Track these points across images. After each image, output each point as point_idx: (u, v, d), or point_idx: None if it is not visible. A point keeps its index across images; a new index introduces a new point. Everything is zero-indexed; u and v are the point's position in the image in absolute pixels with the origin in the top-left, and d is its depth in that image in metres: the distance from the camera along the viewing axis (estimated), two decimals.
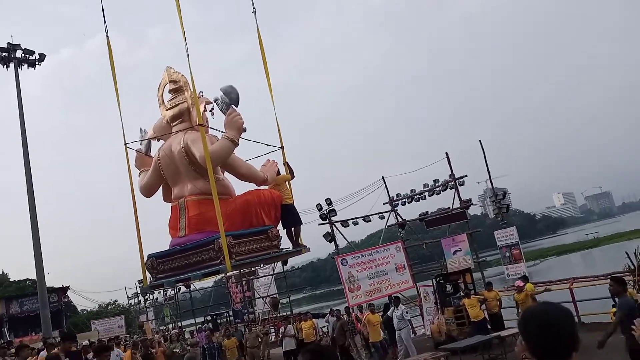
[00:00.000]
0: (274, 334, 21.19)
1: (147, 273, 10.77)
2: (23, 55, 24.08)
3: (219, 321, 28.97)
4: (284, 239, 11.66)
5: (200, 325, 27.04)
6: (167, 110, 11.17)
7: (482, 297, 13.48)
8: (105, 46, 10.57)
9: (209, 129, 10.82)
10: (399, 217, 22.03)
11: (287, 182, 11.53)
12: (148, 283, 10.92)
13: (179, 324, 32.86)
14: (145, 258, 10.75)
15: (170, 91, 11.27)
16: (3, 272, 60.06)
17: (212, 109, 10.67)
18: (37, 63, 24.60)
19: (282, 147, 11.71)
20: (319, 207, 20.20)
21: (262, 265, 19.51)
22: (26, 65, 24.36)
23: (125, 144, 10.99)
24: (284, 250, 11.69)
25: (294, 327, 16.00)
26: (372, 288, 15.59)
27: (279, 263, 19.33)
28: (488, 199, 38.86)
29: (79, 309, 49.69)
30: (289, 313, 24.82)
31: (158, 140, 11.67)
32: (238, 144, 10.50)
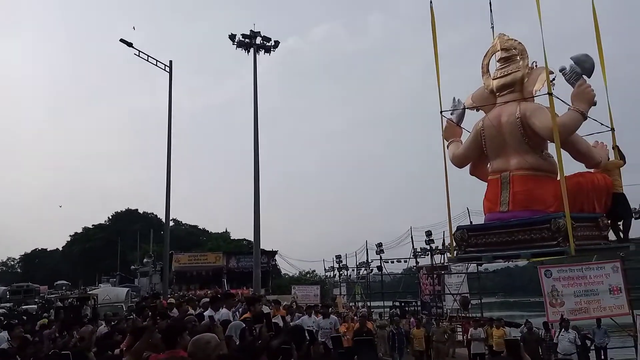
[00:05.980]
0: (460, 332, 20.73)
1: (455, 244, 10.44)
2: (261, 41, 26.20)
3: (406, 309, 29.39)
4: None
5: (389, 310, 27.71)
6: (493, 79, 10.63)
7: None
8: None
9: (534, 99, 10.08)
10: (621, 234, 19.37)
11: (618, 169, 10.54)
12: (454, 254, 10.76)
13: (368, 303, 34.08)
14: (454, 229, 10.58)
15: (499, 60, 10.68)
16: (226, 230, 69.71)
17: (554, 79, 9.79)
18: (271, 49, 26.55)
19: (612, 129, 10.49)
20: None
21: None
22: (262, 51, 26.32)
23: (441, 112, 10.82)
24: (612, 243, 10.42)
25: (485, 331, 15.47)
26: (578, 307, 14.18)
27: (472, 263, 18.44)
28: None
29: (282, 273, 54.96)
30: (478, 315, 23.95)
31: (477, 110, 11.43)
32: (587, 118, 9.48)
